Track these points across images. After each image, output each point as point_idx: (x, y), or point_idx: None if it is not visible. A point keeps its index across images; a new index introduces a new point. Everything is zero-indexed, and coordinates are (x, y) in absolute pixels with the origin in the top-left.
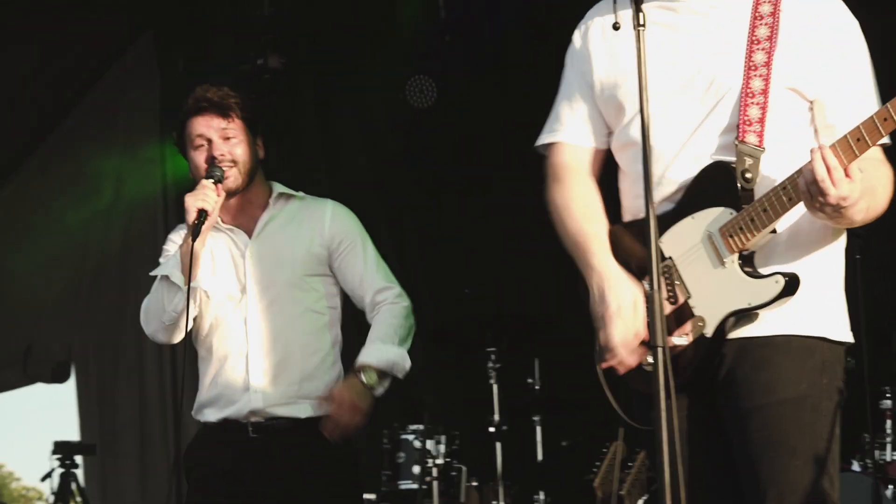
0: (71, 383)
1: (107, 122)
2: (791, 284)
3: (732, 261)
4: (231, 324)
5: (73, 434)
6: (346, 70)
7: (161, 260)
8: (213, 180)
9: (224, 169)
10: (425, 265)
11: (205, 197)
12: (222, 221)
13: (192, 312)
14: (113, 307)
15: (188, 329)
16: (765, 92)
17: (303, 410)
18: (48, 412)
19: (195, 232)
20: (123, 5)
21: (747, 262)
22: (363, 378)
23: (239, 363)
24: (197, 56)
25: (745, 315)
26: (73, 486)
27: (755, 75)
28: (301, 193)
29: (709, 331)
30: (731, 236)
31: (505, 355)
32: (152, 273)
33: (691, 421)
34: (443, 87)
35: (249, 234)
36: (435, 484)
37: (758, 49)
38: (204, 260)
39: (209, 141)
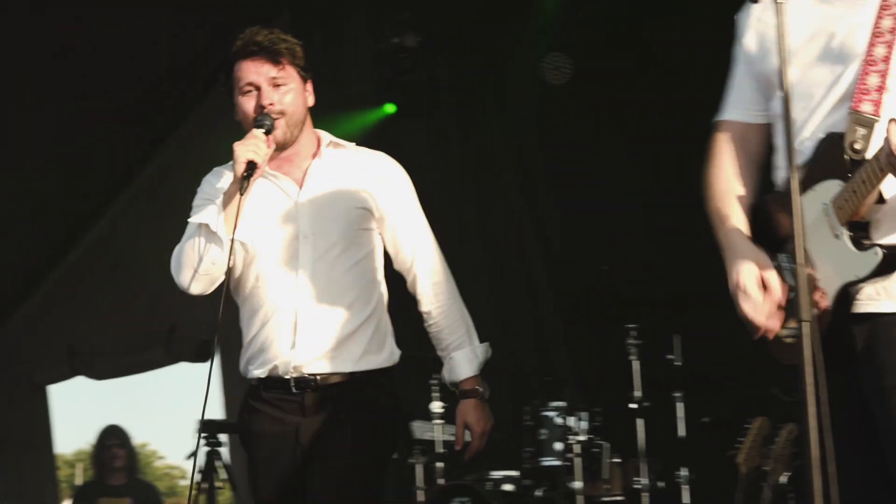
0: (216, 362)
1: None
2: (890, 256)
3: (843, 233)
4: (280, 276)
5: (216, 413)
6: (481, 47)
7: (195, 203)
8: (263, 130)
9: (273, 119)
10: (564, 241)
11: (256, 148)
12: (269, 169)
13: (234, 266)
14: None
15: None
16: (887, 59)
17: (350, 365)
18: (192, 391)
19: (242, 184)
20: None
21: (859, 233)
22: (483, 394)
23: (287, 317)
24: (333, 35)
25: (861, 288)
26: (218, 463)
27: (880, 42)
28: (352, 144)
29: (829, 303)
30: (840, 208)
31: (645, 331)
32: (191, 220)
33: (832, 395)
34: (578, 64)
35: (298, 183)
36: (577, 460)
37: (886, 15)
38: (248, 209)
39: (258, 88)
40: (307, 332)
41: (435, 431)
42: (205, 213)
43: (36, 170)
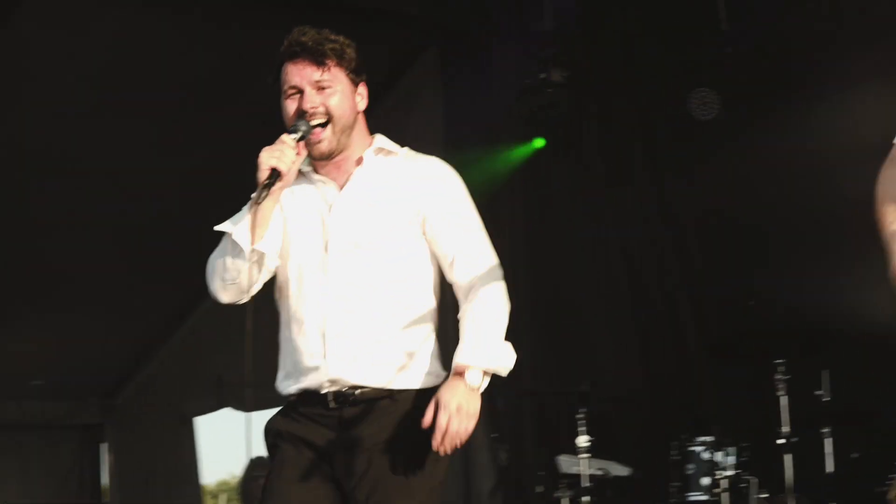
0: None
1: (393, 140)
2: None
3: None
4: (311, 284)
5: None
6: (627, 81)
7: (241, 212)
8: (294, 136)
9: (312, 126)
10: (709, 277)
11: (281, 154)
12: (316, 172)
13: (263, 276)
14: None
15: (253, 292)
16: None
17: (389, 381)
18: None
19: (261, 193)
20: (408, 23)
21: None
22: (471, 381)
23: (316, 327)
24: (480, 70)
25: None
26: None
27: None
28: (405, 149)
29: None
30: None
31: (793, 367)
32: (217, 228)
33: None
34: (726, 99)
35: (339, 188)
36: (724, 496)
37: None
38: (288, 215)
39: (301, 91)
40: (338, 343)
41: (581, 465)
42: (230, 221)
43: (179, 204)
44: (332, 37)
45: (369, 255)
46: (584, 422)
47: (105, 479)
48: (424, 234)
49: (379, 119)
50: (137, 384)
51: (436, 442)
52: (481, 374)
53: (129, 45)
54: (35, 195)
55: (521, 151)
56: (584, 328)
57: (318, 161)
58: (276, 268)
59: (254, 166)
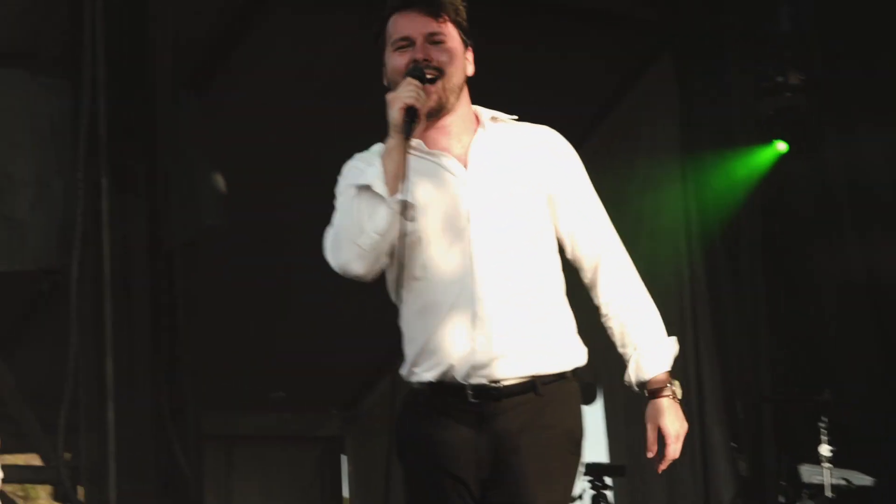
0: (598, 404)
1: (628, 144)
2: None
3: None
4: (450, 265)
5: (601, 455)
6: (865, 82)
7: (339, 191)
8: (418, 79)
9: (424, 74)
10: None
11: (412, 93)
12: (423, 147)
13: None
14: None
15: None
16: None
17: (533, 367)
18: None
19: (407, 130)
20: (644, 27)
21: None
22: (676, 392)
23: (463, 311)
24: (715, 74)
25: None
26: None
27: None
28: (511, 117)
29: None
30: None
31: None
32: (347, 184)
33: None
34: None
35: (462, 161)
36: None
37: None
38: (408, 193)
39: (413, 42)
40: (487, 327)
41: (824, 475)
42: (363, 175)
43: None
44: None
45: (511, 229)
46: (826, 431)
47: (346, 490)
48: (549, 202)
49: (614, 122)
50: (377, 395)
51: (660, 467)
52: (677, 383)
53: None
54: (276, 204)
55: (763, 156)
56: (823, 334)
57: (420, 129)
58: (395, 245)
59: None
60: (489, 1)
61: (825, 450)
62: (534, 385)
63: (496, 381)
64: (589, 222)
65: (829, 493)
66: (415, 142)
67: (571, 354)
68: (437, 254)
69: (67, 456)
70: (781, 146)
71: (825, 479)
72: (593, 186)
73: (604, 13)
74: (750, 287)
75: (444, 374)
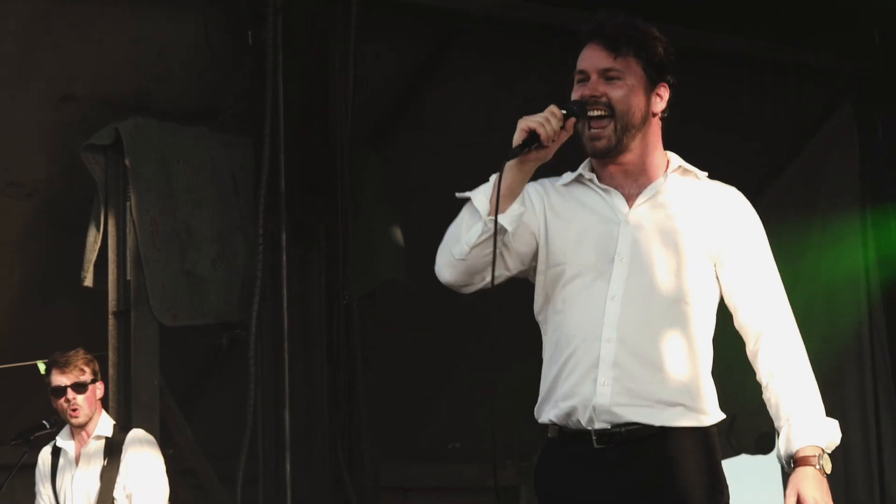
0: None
1: (808, 195)
2: None
3: None
4: (589, 302)
5: None
6: None
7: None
8: (565, 111)
9: (590, 115)
10: None
11: (544, 120)
12: (598, 180)
13: (504, 267)
14: None
15: (489, 280)
16: None
17: (661, 417)
18: (752, 485)
19: (514, 152)
20: (824, 76)
21: None
22: (825, 468)
23: (589, 348)
24: None
25: None
26: None
27: None
28: (704, 174)
29: None
30: None
31: None
32: (458, 195)
33: None
34: None
35: (629, 200)
36: None
37: None
38: (563, 219)
39: (588, 77)
40: (611, 370)
41: None
42: (479, 188)
43: None
44: (636, 24)
45: (659, 278)
46: None
47: None
48: (717, 269)
49: (794, 172)
50: None
51: None
52: (826, 456)
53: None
54: None
55: None
56: None
57: (598, 163)
58: (541, 273)
59: None
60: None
61: None
62: (663, 433)
63: (618, 427)
64: (755, 292)
65: None
66: (588, 175)
67: (705, 413)
68: (579, 289)
69: None
70: None
71: None
72: (769, 238)
73: (785, 63)
74: None
75: (569, 415)
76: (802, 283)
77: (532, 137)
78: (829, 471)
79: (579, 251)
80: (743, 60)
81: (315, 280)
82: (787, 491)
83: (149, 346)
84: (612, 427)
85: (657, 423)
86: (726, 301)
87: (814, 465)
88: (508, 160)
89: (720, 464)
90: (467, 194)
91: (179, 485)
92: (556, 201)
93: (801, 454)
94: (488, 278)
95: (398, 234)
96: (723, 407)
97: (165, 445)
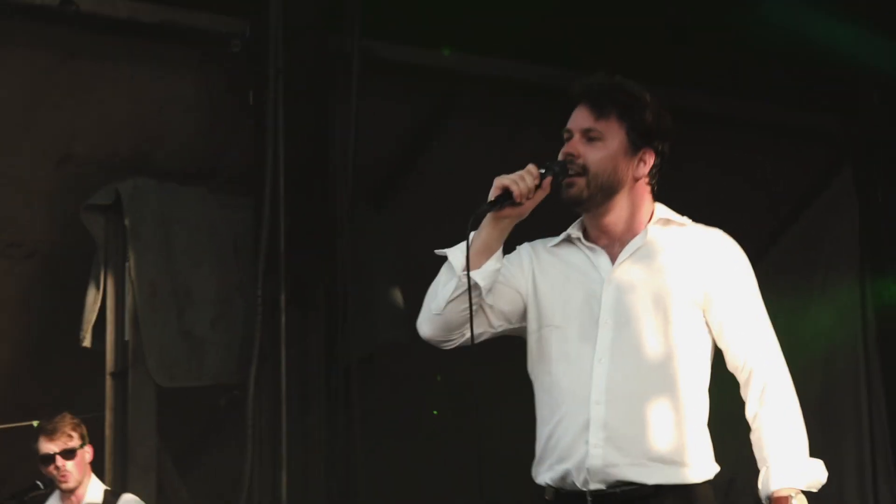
0: None
1: (809, 257)
2: None
3: None
4: (578, 362)
5: None
6: None
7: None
8: (543, 170)
9: (567, 168)
10: None
11: (518, 178)
12: (584, 239)
13: (485, 325)
14: None
15: (468, 335)
16: None
17: (655, 475)
18: None
19: (485, 208)
20: (824, 138)
21: None
22: None
23: (579, 411)
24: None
25: None
26: None
27: None
28: (686, 219)
29: None
30: None
31: None
32: (436, 252)
33: None
34: None
35: (613, 259)
36: None
37: None
38: (549, 279)
39: (572, 136)
40: (601, 431)
41: None
42: (456, 246)
43: None
44: (625, 87)
45: (645, 336)
46: None
47: None
48: (705, 314)
49: (796, 235)
50: None
51: None
52: (803, 497)
53: None
54: None
55: None
56: None
57: (587, 223)
58: (532, 334)
59: None
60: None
61: None
62: (658, 492)
63: (613, 487)
64: (741, 332)
65: None
66: (575, 233)
67: (697, 468)
68: (567, 352)
69: None
70: None
71: None
72: (769, 301)
73: (785, 125)
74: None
75: (564, 478)
76: (802, 343)
77: (505, 194)
78: None
79: (566, 314)
80: (745, 123)
81: (314, 341)
82: None
83: (146, 406)
84: (608, 488)
85: (651, 482)
86: (717, 343)
87: None
88: (477, 215)
89: None
90: (445, 252)
91: None
92: (546, 262)
93: (776, 495)
94: (468, 334)
95: (398, 295)
96: (722, 466)
97: None
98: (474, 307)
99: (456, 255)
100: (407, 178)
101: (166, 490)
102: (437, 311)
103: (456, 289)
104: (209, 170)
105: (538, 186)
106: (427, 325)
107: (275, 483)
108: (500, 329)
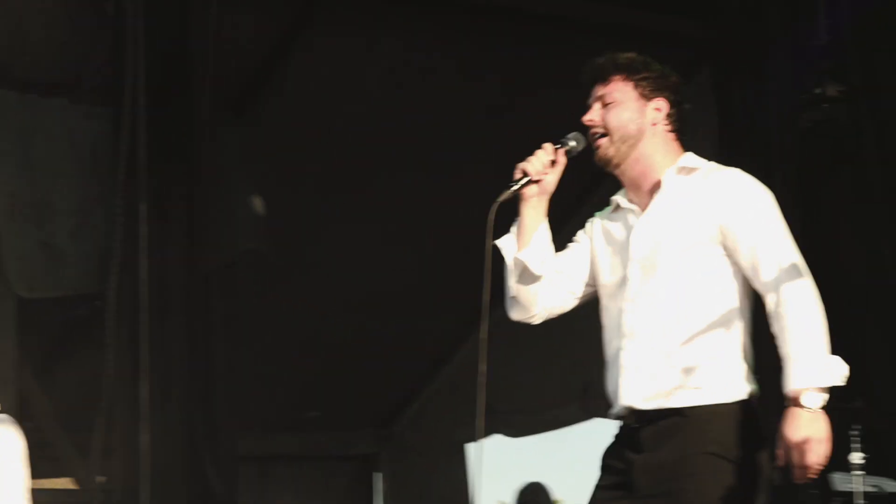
0: None
1: None
2: None
3: None
4: (613, 308)
5: None
6: None
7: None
8: (557, 145)
9: (578, 136)
10: None
11: (535, 160)
12: (629, 200)
13: (553, 296)
14: None
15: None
16: None
17: (682, 399)
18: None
19: (505, 192)
20: (680, 42)
21: None
22: (807, 403)
23: (617, 356)
24: (753, 88)
25: None
26: None
27: None
28: (711, 164)
29: None
30: None
31: None
32: (495, 242)
33: None
34: None
35: (642, 210)
36: None
37: None
38: (598, 243)
39: (590, 108)
40: (630, 364)
41: (854, 483)
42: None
43: (454, 239)
44: (622, 54)
45: (667, 277)
46: (858, 438)
47: None
48: (726, 247)
49: None
50: (411, 413)
51: (796, 479)
52: (816, 393)
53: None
54: (315, 227)
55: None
56: (858, 341)
57: (623, 181)
58: (599, 288)
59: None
60: (531, 20)
61: (856, 457)
62: (680, 411)
63: (644, 412)
64: (755, 258)
65: (860, 501)
66: (617, 199)
67: (723, 390)
68: (609, 298)
69: (102, 480)
70: None
71: (856, 487)
72: None
73: (641, 29)
74: None
75: (614, 406)
76: None
77: (522, 176)
78: (813, 405)
79: (609, 272)
80: (594, 30)
81: (173, 251)
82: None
83: (5, 318)
84: (627, 410)
85: (678, 405)
86: (745, 272)
87: (799, 405)
88: (498, 199)
89: (748, 437)
90: (498, 243)
91: (38, 458)
92: (598, 230)
93: (789, 396)
94: (546, 309)
95: (259, 204)
96: (577, 372)
97: (23, 418)
98: (539, 282)
99: (503, 243)
100: (268, 87)
101: (29, 403)
102: (511, 294)
103: (511, 272)
104: (71, 81)
105: (553, 162)
106: (512, 309)
107: (135, 392)
108: (585, 293)
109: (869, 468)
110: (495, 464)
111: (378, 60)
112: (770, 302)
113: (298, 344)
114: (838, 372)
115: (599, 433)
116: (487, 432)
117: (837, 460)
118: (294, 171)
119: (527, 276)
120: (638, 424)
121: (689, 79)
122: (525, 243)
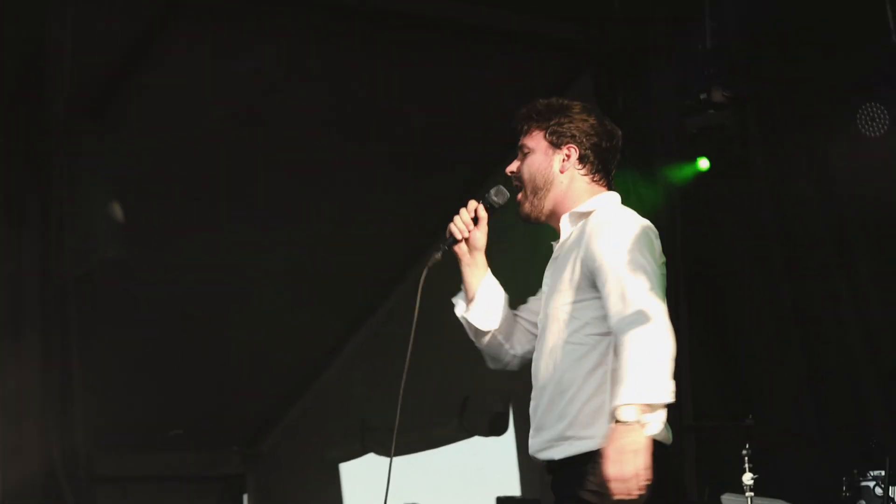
0: (509, 435)
1: None
2: None
3: None
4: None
5: (513, 489)
6: (792, 101)
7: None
8: (480, 201)
9: (500, 190)
10: (883, 304)
11: (456, 219)
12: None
13: (510, 344)
14: None
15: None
16: None
17: (558, 452)
18: (487, 466)
19: (434, 254)
20: (562, 46)
21: None
22: (622, 417)
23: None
24: (636, 93)
25: None
26: None
27: None
28: (609, 206)
29: None
30: None
31: None
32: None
33: None
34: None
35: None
36: None
37: None
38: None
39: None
40: (531, 414)
41: None
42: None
43: (322, 252)
44: (544, 102)
45: (552, 326)
46: (748, 458)
47: None
48: (595, 291)
49: None
50: (280, 431)
51: (614, 493)
52: (633, 408)
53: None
54: (177, 234)
55: (684, 172)
56: (748, 359)
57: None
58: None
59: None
60: (407, 23)
61: (748, 478)
62: (561, 464)
63: (544, 463)
64: (605, 297)
65: None
66: (555, 242)
67: (592, 440)
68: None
69: None
70: (704, 164)
71: None
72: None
73: (521, 33)
74: (672, 311)
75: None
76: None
77: (448, 237)
78: (629, 418)
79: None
80: (474, 34)
81: (27, 259)
82: None
83: None
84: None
85: (555, 458)
86: None
87: (617, 420)
88: (427, 265)
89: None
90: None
91: None
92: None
93: (611, 414)
94: (511, 355)
95: (118, 211)
96: (455, 389)
97: None
98: (493, 336)
99: (456, 300)
100: (127, 88)
101: None
102: (479, 347)
103: (466, 329)
104: None
105: (476, 220)
106: (487, 360)
107: None
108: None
109: (761, 489)
110: (369, 485)
111: (239, 61)
112: (614, 335)
113: (160, 357)
114: (660, 390)
115: (478, 451)
116: (361, 451)
117: (729, 480)
118: (156, 176)
119: (477, 332)
120: (549, 471)
121: (571, 82)
122: (469, 300)
